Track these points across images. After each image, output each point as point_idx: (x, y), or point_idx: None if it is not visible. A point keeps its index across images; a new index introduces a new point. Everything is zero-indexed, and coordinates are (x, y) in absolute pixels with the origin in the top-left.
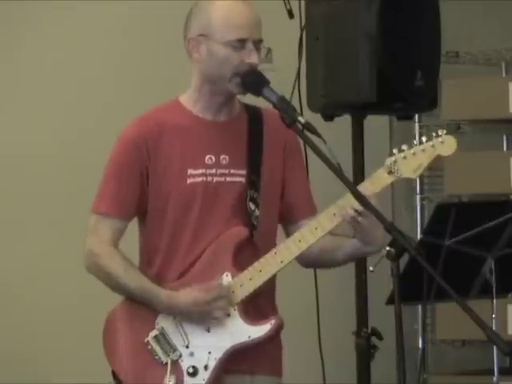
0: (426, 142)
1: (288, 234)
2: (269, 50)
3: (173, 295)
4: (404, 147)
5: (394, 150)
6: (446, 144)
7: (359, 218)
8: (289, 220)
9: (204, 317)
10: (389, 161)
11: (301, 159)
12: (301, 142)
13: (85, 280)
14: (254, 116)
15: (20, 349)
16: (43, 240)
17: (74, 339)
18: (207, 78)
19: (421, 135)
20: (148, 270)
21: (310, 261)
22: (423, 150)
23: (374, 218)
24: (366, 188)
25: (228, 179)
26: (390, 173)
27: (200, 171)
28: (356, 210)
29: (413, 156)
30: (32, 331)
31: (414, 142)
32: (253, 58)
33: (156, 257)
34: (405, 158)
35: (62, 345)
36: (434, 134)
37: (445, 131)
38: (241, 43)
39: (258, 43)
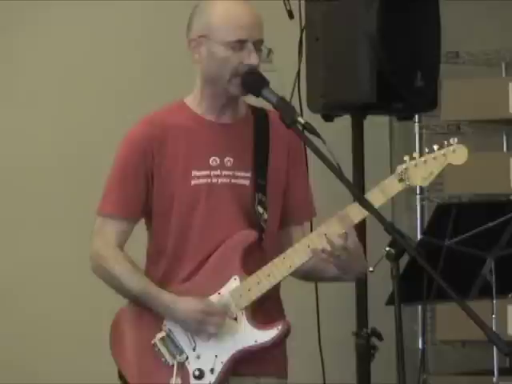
0: (438, 150)
1: (283, 236)
2: (270, 51)
3: (175, 300)
4: (415, 155)
5: (405, 158)
6: (457, 153)
7: (337, 253)
8: (286, 222)
9: (198, 328)
10: (400, 168)
11: (303, 161)
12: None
13: (86, 281)
14: (260, 117)
15: (21, 349)
16: (45, 241)
17: (75, 340)
18: (208, 79)
19: (421, 135)
20: (155, 272)
21: (301, 274)
22: (434, 158)
23: (351, 253)
24: (376, 196)
25: (233, 181)
26: (401, 180)
27: (204, 173)
28: (333, 244)
29: (424, 164)
30: (33, 332)
31: (426, 149)
32: (252, 59)
33: (162, 258)
34: (416, 165)
35: (64, 345)
36: (445, 143)
37: (456, 139)
38: (240, 44)
39: (258, 44)
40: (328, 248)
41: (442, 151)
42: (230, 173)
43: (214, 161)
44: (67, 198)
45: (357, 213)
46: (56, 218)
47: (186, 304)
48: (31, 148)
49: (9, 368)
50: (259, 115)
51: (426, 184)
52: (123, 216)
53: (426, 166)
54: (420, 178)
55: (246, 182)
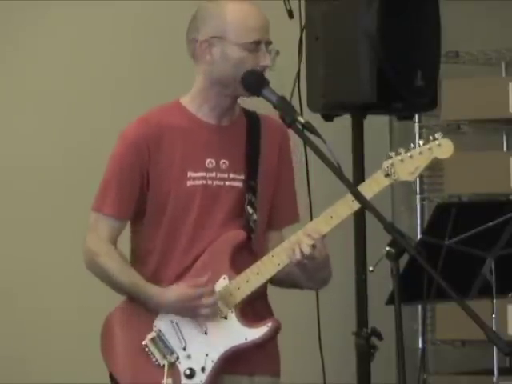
0: (423, 144)
1: (268, 239)
2: (277, 52)
3: (162, 291)
4: (401, 150)
5: (391, 153)
6: (443, 147)
7: (305, 261)
8: (271, 225)
9: (192, 314)
10: (386, 164)
11: (291, 164)
12: (301, 141)
13: (83, 281)
14: (253, 121)
15: (19, 349)
16: (43, 240)
17: (72, 340)
18: (218, 81)
19: (421, 135)
20: (142, 271)
21: (277, 280)
22: (420, 153)
23: (320, 262)
24: (362, 191)
25: (227, 183)
26: (387, 176)
27: (200, 174)
28: (303, 253)
29: (410, 159)
30: (32, 331)
31: (412, 144)
32: (266, 61)
33: (150, 257)
34: (402, 160)
35: (61, 345)
36: (431, 137)
37: (442, 134)
38: (255, 45)
39: (268, 45)
40: (298, 256)
41: (428, 145)
42: (225, 175)
43: (209, 163)
44: (67, 197)
45: (345, 209)
46: (56, 217)
47: (173, 293)
48: (31, 148)
49: (8, 367)
50: (252, 118)
51: (412, 179)
52: (117, 214)
53: (412, 161)
54: (406, 172)
55: (240, 185)
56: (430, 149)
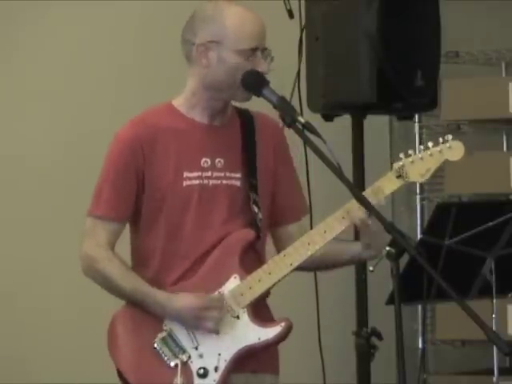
0: (433, 147)
1: (275, 237)
2: (272, 58)
3: (168, 298)
4: (411, 152)
5: (401, 155)
6: (453, 149)
7: (369, 221)
8: (278, 223)
9: (197, 324)
10: (396, 165)
11: (290, 160)
12: (301, 141)
13: (83, 281)
14: (246, 120)
15: (19, 349)
16: (43, 240)
17: (72, 340)
18: (211, 85)
19: (421, 135)
20: (143, 273)
21: (311, 265)
22: (431, 155)
23: (378, 230)
24: (371, 192)
25: (224, 182)
26: (399, 177)
27: (196, 174)
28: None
29: (420, 161)
30: (31, 331)
31: (421, 147)
32: (262, 67)
33: (152, 259)
34: (412, 162)
35: (61, 345)
36: (440, 140)
37: (451, 136)
38: (252, 52)
39: (264, 51)
40: (361, 214)
41: (438, 148)
42: (222, 174)
43: (205, 162)
44: (67, 197)
45: (357, 210)
46: (56, 217)
47: (181, 300)
48: (31, 148)
49: (8, 367)
50: (245, 117)
51: (423, 180)
52: (114, 217)
53: (422, 163)
54: (417, 174)
55: (237, 183)
56: (440, 151)
